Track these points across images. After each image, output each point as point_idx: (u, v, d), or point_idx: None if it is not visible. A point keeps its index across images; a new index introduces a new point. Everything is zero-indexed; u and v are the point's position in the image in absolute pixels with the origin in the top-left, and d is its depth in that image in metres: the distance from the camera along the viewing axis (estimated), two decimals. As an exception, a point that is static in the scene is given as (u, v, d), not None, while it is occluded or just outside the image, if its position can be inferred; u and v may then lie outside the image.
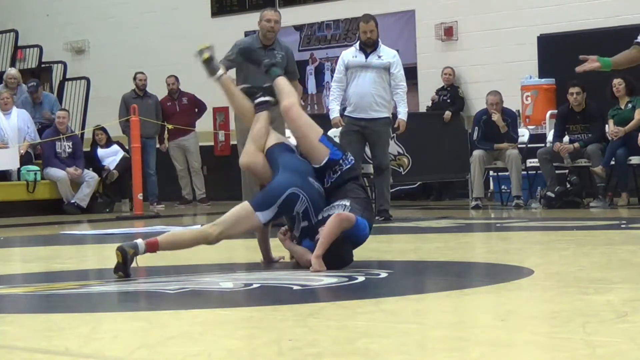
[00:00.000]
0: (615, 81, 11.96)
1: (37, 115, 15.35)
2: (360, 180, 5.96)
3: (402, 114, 10.06)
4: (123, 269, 5.48)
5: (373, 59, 9.90)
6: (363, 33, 9.99)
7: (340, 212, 5.51)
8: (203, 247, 8.38)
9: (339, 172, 5.80)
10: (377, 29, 10.03)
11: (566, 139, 12.25)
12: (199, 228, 5.91)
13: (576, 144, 12.07)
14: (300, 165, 5.84)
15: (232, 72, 9.32)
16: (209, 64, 6.39)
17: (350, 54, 10.06)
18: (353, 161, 5.90)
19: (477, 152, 12.55)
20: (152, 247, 5.58)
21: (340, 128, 10.11)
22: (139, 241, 5.56)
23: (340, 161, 5.82)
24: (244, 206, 5.72)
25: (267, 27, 9.59)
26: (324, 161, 5.81)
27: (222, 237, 5.69)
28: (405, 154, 13.45)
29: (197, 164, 15.51)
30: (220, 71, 6.39)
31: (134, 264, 5.53)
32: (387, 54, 10.00)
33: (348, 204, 5.64)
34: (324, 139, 5.92)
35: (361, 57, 9.93)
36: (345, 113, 9.99)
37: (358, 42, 10.14)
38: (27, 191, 14.33)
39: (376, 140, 9.93)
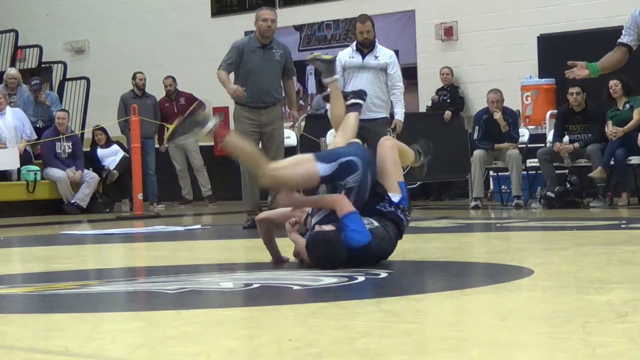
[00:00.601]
0: (612, 82, 11.97)
1: (40, 113, 15.36)
2: (400, 234, 5.95)
3: (399, 115, 10.04)
4: (188, 118, 5.57)
5: (370, 59, 9.87)
6: (359, 33, 9.96)
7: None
8: (203, 247, 8.39)
9: (393, 210, 5.80)
10: (373, 29, 10.00)
11: (566, 139, 12.25)
12: None
13: (576, 144, 12.07)
14: (369, 156, 5.93)
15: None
16: (332, 64, 6.64)
17: (347, 55, 10.03)
18: (409, 220, 5.95)
19: (477, 152, 12.54)
20: (223, 131, 5.65)
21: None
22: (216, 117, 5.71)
23: (401, 206, 5.84)
24: (306, 154, 5.85)
25: (264, 26, 9.63)
26: (392, 195, 5.85)
27: (275, 173, 5.68)
28: (405, 154, 13.44)
29: (198, 162, 15.48)
30: (337, 75, 6.74)
31: (209, 127, 5.59)
32: (384, 54, 9.97)
33: (375, 224, 5.67)
34: (403, 184, 5.97)
35: (358, 58, 9.90)
36: None
37: (355, 43, 10.11)
38: (27, 191, 14.34)
39: (374, 141, 9.86)
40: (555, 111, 12.81)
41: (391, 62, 9.93)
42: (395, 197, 5.83)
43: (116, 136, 15.46)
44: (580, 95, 12.07)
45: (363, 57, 9.88)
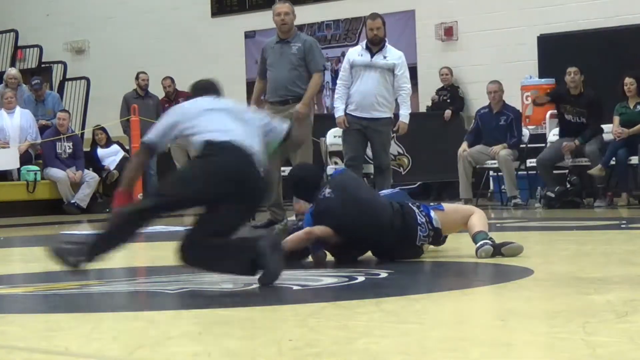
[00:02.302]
0: (627, 80, 11.86)
1: (40, 113, 15.36)
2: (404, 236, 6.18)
3: (404, 117, 9.99)
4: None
5: (378, 59, 9.83)
6: (369, 30, 9.93)
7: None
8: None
9: (417, 218, 6.10)
10: (384, 28, 9.96)
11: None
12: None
13: (576, 141, 11.98)
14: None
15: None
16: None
17: (356, 53, 9.99)
18: (423, 242, 6.16)
19: (463, 152, 12.45)
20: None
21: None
22: None
23: (430, 226, 6.12)
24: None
25: (278, 20, 9.66)
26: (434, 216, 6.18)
27: None
28: (405, 154, 13.45)
29: (199, 161, 15.46)
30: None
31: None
32: (392, 55, 9.92)
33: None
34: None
35: (366, 57, 9.86)
36: (347, 111, 9.95)
37: (365, 41, 10.08)
38: (27, 191, 14.33)
39: (376, 140, 9.91)
40: (555, 111, 12.76)
41: (399, 63, 9.87)
42: (436, 221, 6.05)
43: (116, 136, 15.46)
44: (577, 75, 12.01)
45: (371, 56, 9.84)
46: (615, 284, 4.69)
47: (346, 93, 9.91)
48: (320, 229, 5.87)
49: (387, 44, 9.95)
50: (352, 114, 9.85)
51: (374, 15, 10.00)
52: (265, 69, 9.82)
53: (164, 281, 5.40)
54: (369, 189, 6.61)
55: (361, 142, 9.97)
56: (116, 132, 15.37)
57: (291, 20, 9.73)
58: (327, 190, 5.98)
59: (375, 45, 9.86)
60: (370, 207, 5.95)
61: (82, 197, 14.44)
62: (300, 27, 16.39)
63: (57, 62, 18.21)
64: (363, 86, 9.80)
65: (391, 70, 9.83)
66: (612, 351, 3.09)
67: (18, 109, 14.61)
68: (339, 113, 9.91)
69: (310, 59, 9.64)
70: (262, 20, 16.34)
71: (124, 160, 14.88)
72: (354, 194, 6.02)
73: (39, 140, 14.66)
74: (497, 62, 14.64)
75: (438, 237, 6.13)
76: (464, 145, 12.52)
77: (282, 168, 9.92)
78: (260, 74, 9.97)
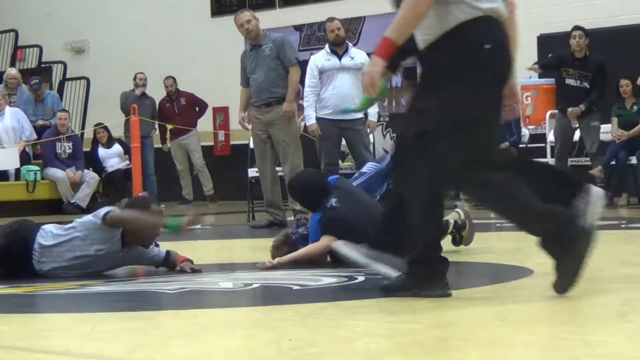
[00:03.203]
0: (623, 82, 11.87)
1: (39, 113, 15.37)
2: None
3: (372, 115, 10.13)
4: None
5: (346, 60, 9.89)
6: (330, 32, 10.02)
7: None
8: (203, 247, 8.40)
9: None
10: (343, 28, 10.16)
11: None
12: None
13: (581, 106, 11.84)
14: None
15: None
16: None
17: (322, 58, 9.98)
18: None
19: None
20: None
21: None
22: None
23: None
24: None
25: (243, 31, 9.98)
26: None
27: None
28: (405, 153, 13.42)
29: (199, 161, 15.47)
30: None
31: None
32: (358, 55, 9.99)
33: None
34: None
35: (335, 60, 9.89)
36: (322, 116, 9.81)
37: (327, 45, 10.12)
38: (27, 191, 14.34)
39: (358, 141, 9.89)
40: (556, 111, 12.73)
41: (367, 62, 9.94)
42: None
43: (118, 135, 15.47)
44: (582, 39, 11.95)
45: (340, 59, 9.90)
46: (615, 284, 4.69)
47: (315, 100, 9.88)
48: (332, 241, 5.93)
49: (350, 45, 10.05)
50: (328, 117, 9.76)
51: (332, 19, 10.26)
52: (247, 77, 9.92)
53: (164, 281, 5.40)
54: (366, 194, 6.64)
55: (337, 147, 10.05)
56: (117, 131, 15.38)
57: (255, 25, 9.84)
58: (334, 200, 6.04)
59: (338, 47, 9.93)
60: (371, 212, 6.01)
61: (82, 197, 14.45)
62: (300, 27, 16.46)
63: (57, 62, 18.21)
64: (339, 89, 9.79)
65: (360, 69, 9.88)
66: (612, 351, 3.10)
67: (8, 109, 14.58)
68: (311, 121, 9.82)
69: (283, 55, 9.78)
70: (261, 20, 16.33)
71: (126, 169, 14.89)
72: (358, 201, 6.11)
73: (34, 138, 14.66)
74: (497, 62, 14.62)
75: None
76: None
77: (277, 168, 9.93)
78: (243, 83, 10.06)
